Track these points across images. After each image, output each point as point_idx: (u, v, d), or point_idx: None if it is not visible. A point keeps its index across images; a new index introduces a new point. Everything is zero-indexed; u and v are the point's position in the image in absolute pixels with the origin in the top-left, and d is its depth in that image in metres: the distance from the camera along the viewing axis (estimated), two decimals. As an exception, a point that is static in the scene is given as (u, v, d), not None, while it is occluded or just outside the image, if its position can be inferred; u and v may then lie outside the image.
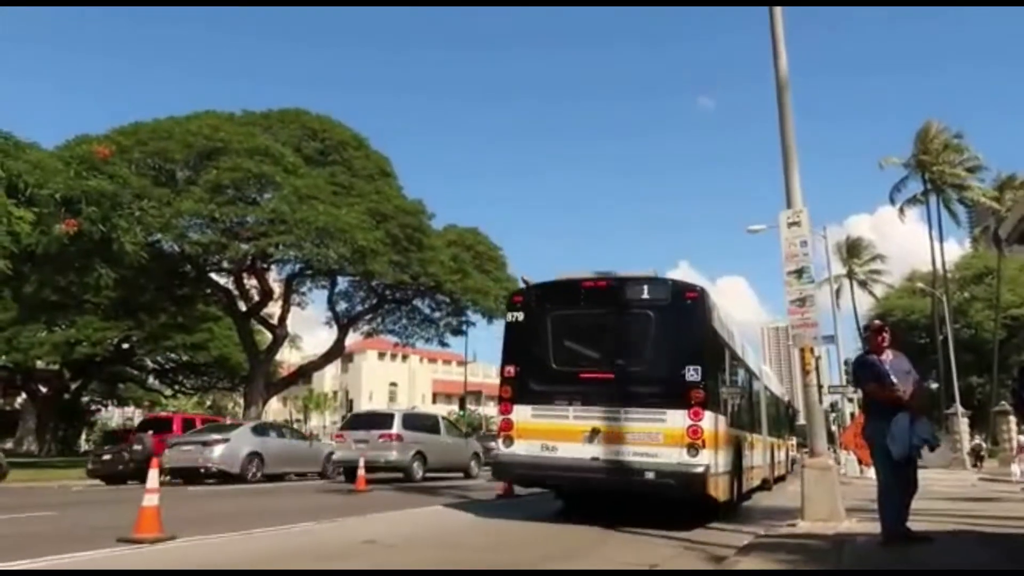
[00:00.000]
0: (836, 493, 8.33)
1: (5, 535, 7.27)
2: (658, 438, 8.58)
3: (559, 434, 9.04)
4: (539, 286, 10.04)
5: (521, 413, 9.34)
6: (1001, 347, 37.18)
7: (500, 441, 9.61)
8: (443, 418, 22.04)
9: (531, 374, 9.48)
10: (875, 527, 6.93)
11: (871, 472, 16.01)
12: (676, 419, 8.55)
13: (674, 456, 8.47)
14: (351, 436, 18.07)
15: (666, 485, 8.48)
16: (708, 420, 8.58)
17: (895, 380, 6.16)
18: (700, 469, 8.39)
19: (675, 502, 8.96)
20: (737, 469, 10.45)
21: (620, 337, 9.46)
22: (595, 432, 8.84)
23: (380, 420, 18.62)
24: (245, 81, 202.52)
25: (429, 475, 18.34)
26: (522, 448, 9.23)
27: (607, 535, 7.83)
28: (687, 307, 9.17)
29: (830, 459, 9.24)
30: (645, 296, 9.29)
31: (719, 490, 9.02)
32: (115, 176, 19.15)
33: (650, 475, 8.48)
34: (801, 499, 8.34)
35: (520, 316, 9.83)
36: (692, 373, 8.64)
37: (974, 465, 30.95)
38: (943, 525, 7.64)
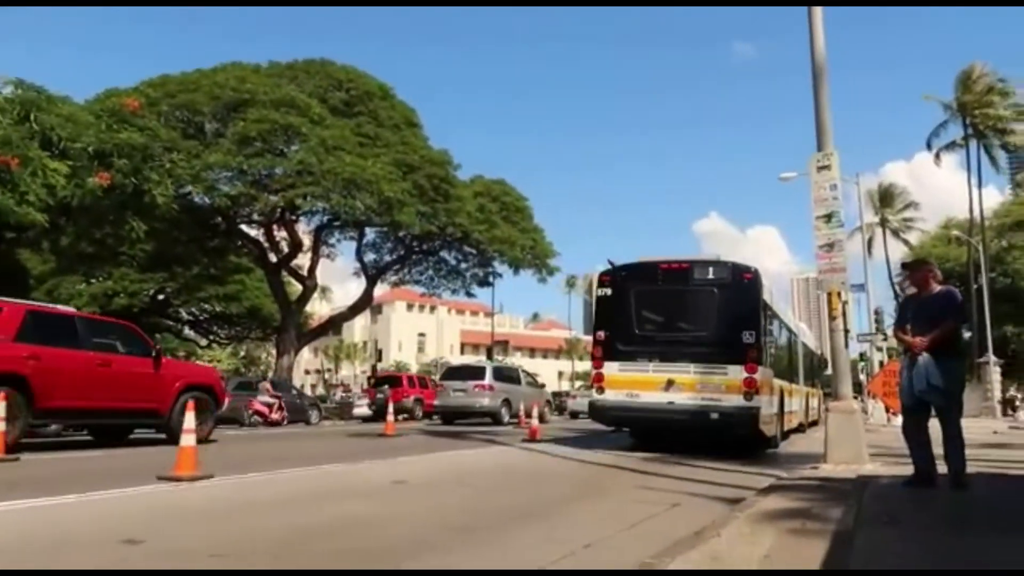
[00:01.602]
0: (860, 436, 8.34)
1: (57, 472, 7.63)
2: (721, 387, 10.79)
3: (641, 384, 11.24)
4: (623, 267, 12.19)
5: (610, 368, 11.56)
6: (1039, 296, 36.47)
7: (594, 390, 11.98)
8: (522, 370, 25.36)
9: (617, 337, 11.63)
10: (900, 470, 6.97)
11: (898, 420, 16.05)
12: (735, 372, 10.74)
13: (734, 401, 10.70)
14: (450, 386, 21.40)
15: (727, 423, 10.72)
16: (760, 373, 10.78)
17: (909, 321, 6.16)
18: (754, 411, 10.66)
19: (726, 440, 11.13)
20: (780, 412, 12.66)
21: (690, 308, 11.74)
22: (670, 383, 11.04)
23: (474, 372, 22.07)
24: (269, 32, 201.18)
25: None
26: (612, 395, 11.48)
27: (636, 476, 7.97)
28: (744, 285, 11.35)
29: (855, 403, 9.25)
30: (710, 276, 11.50)
31: (767, 428, 11.25)
32: (145, 129, 19.36)
33: (715, 415, 10.70)
34: (825, 442, 8.39)
35: (608, 291, 11.97)
36: (748, 336, 10.82)
37: (1005, 414, 30.70)
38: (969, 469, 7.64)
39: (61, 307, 12.12)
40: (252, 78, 23.43)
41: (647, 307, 11.88)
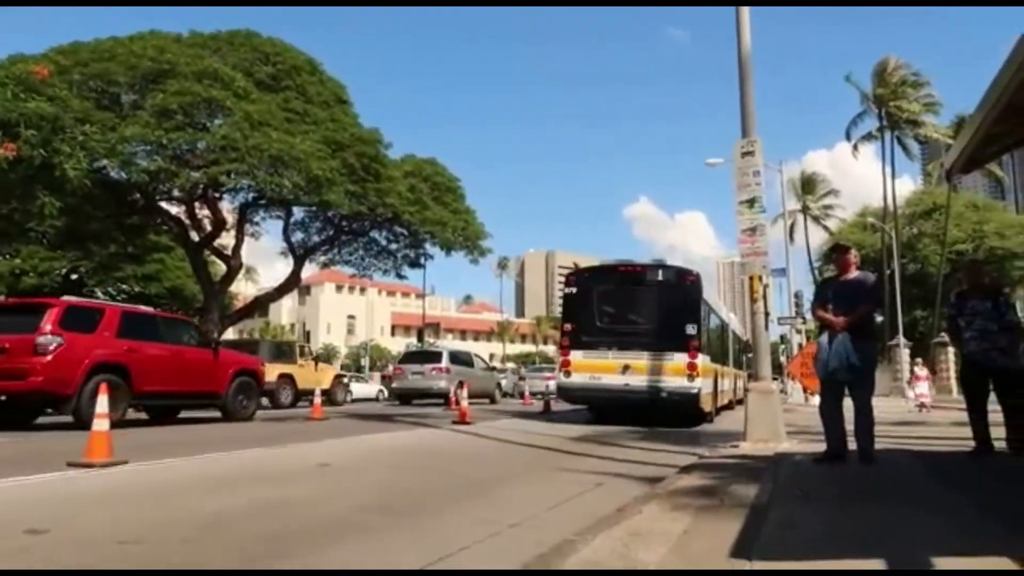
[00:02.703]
0: (778, 416, 8.64)
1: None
2: (668, 371, 12.79)
3: (602, 368, 13.20)
4: (586, 269, 14.85)
5: (576, 355, 13.49)
6: (945, 281, 38.31)
7: (561, 373, 13.75)
8: (475, 355, 26.51)
9: (582, 330, 13.65)
10: (814, 447, 7.25)
11: (815, 400, 16.77)
12: (679, 359, 12.79)
13: (679, 382, 12.74)
14: (408, 369, 22.94)
15: (673, 401, 12.80)
16: (699, 359, 12.81)
17: (830, 302, 6.38)
18: (695, 390, 12.76)
19: (672, 414, 13.00)
20: (715, 391, 14.88)
21: (642, 305, 13.74)
22: (626, 367, 13.02)
23: (431, 356, 23.65)
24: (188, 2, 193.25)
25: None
26: (577, 378, 13.42)
27: (561, 456, 8.06)
28: (687, 285, 13.55)
29: (773, 384, 9.56)
30: (659, 278, 13.70)
31: (706, 404, 13.50)
32: (55, 98, 18.33)
33: (663, 394, 12.76)
34: (744, 422, 8.65)
35: (574, 290, 14.06)
36: (690, 328, 12.90)
37: (914, 393, 32.27)
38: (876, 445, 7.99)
39: (143, 307, 14.13)
40: (172, 48, 22.38)
41: (607, 303, 13.87)
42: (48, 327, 10.73)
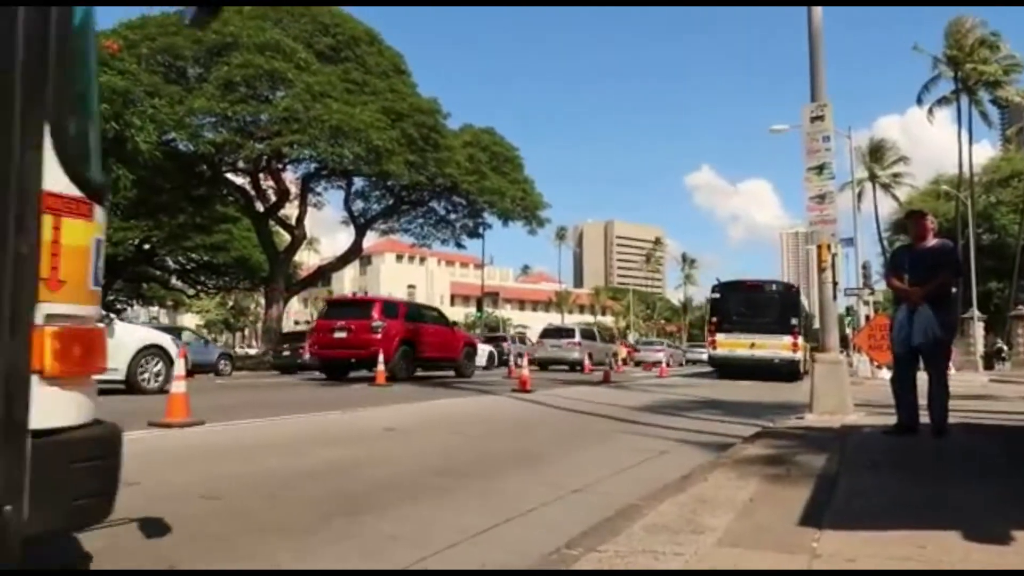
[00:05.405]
0: (845, 387, 8.44)
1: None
2: (779, 346, 20.08)
3: (736, 345, 20.54)
4: (726, 283, 22.11)
5: (720, 336, 20.99)
6: (1023, 252, 36.58)
7: (710, 348, 22.01)
8: (596, 329, 33.19)
9: (723, 320, 21.19)
10: (882, 420, 7.08)
11: (883, 373, 16.33)
12: (786, 339, 20.15)
13: (786, 354, 20.09)
14: (547, 342, 28.00)
15: (781, 366, 19.95)
16: (799, 339, 20.21)
17: (906, 271, 6.14)
18: (797, 359, 20.08)
19: (781, 374, 19.68)
20: (805, 360, 19.90)
21: (763, 305, 20.93)
22: (753, 344, 20.23)
23: (566, 332, 29.21)
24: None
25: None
26: (720, 351, 21.09)
27: (625, 425, 8.07)
28: (791, 293, 21.97)
29: (840, 355, 9.33)
30: (773, 289, 22.00)
31: (802, 368, 19.52)
32: (125, 72, 18.88)
33: (776, 361, 20.08)
34: (811, 393, 8.48)
35: (717, 295, 21.97)
36: (793, 320, 20.36)
37: (988, 367, 31.15)
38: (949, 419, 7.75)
39: (417, 302, 19.80)
40: (235, 20, 22.78)
41: (739, 304, 21.10)
42: (376, 315, 16.11)
